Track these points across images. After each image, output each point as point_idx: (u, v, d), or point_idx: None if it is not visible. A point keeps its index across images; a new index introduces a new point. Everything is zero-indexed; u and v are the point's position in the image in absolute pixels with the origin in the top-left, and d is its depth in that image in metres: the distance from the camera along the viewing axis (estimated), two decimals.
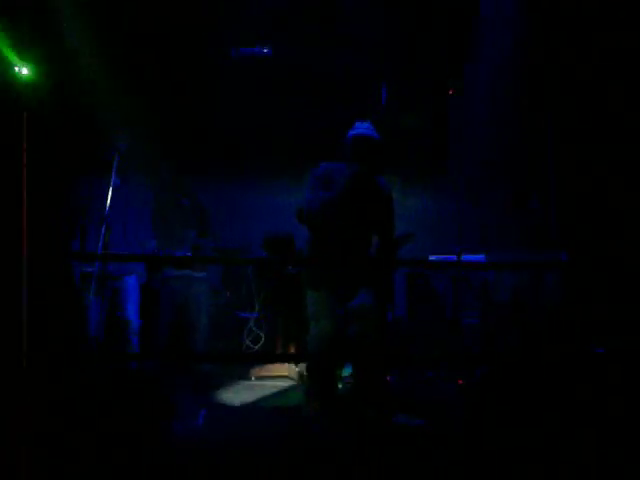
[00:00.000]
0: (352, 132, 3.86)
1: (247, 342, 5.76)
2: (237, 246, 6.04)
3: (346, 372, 4.43)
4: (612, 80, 5.05)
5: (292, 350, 5.43)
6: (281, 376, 5.13)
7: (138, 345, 4.73)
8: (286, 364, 5.21)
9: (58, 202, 5.10)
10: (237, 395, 4.60)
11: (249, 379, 5.16)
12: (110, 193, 4.05)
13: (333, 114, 3.97)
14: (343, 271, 3.90)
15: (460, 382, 4.32)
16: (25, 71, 5.31)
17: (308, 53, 6.15)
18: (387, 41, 5.90)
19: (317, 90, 5.25)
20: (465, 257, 4.81)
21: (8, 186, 4.72)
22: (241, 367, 5.37)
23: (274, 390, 4.79)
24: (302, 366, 4.67)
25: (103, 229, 4.02)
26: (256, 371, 5.23)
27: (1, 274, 3.90)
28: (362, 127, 3.86)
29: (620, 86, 4.95)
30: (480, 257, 4.96)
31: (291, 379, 5.05)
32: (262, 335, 5.78)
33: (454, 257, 4.75)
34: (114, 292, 4.52)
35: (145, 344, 4.86)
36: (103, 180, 4.41)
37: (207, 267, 5.62)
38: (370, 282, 3.91)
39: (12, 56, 5.11)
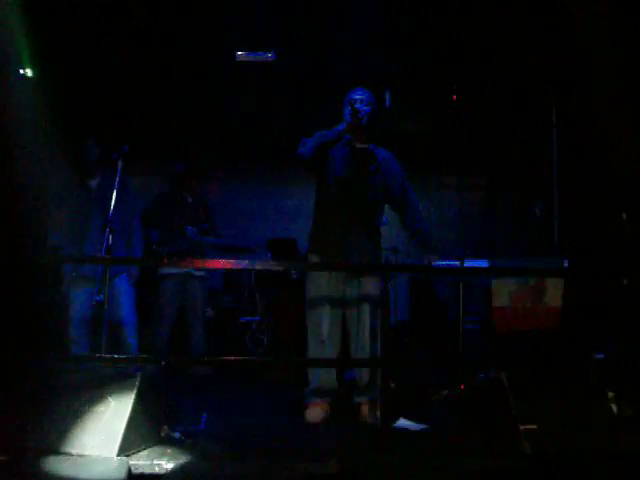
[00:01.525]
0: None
1: (249, 346, 5.76)
2: (240, 245, 6.00)
3: (348, 375, 4.42)
4: (614, 88, 5.07)
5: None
6: None
7: (137, 347, 4.72)
8: None
9: (48, 202, 5.11)
10: (238, 397, 4.60)
11: None
12: (115, 196, 4.03)
13: (336, 118, 4.00)
14: (345, 249, 3.91)
15: (462, 387, 4.32)
16: (29, 72, 5.33)
17: (311, 57, 6.17)
18: (390, 45, 5.92)
19: (320, 94, 5.27)
20: (467, 263, 4.80)
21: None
22: (242, 370, 5.37)
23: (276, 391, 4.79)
24: None
25: (107, 231, 4.00)
26: None
27: None
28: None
29: (622, 94, 4.97)
30: (482, 263, 4.96)
31: None
32: (264, 339, 5.77)
33: (457, 263, 4.75)
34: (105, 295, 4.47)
35: (144, 345, 4.85)
36: (106, 182, 4.42)
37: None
38: (374, 273, 3.93)
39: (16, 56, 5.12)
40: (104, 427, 2.98)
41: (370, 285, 3.91)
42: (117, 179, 4.04)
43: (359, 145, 4.02)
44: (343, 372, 4.45)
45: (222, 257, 5.55)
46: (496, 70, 6.05)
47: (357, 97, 3.93)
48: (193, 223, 5.42)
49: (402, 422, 3.77)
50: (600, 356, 4.15)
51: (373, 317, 3.88)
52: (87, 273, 4.46)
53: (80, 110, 5.78)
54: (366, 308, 3.90)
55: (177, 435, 3.23)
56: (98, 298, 3.94)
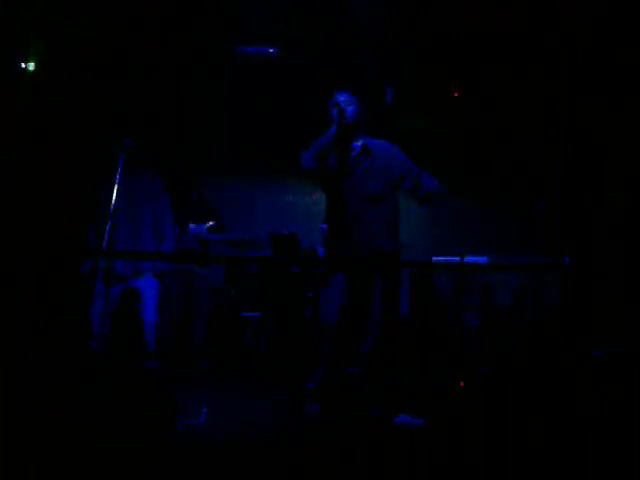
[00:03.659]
0: None
1: (250, 342, 5.75)
2: (247, 237, 6.03)
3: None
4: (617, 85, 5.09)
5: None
6: None
7: (154, 345, 4.76)
8: None
9: (65, 198, 5.14)
10: (239, 392, 4.61)
11: None
12: (116, 190, 4.04)
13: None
14: (357, 247, 4.06)
15: (462, 384, 4.34)
16: (31, 67, 5.32)
17: (313, 53, 6.16)
18: (391, 41, 5.92)
19: (322, 90, 5.29)
20: (468, 259, 4.83)
21: (14, 182, 4.76)
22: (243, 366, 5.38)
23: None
24: None
25: (108, 226, 4.02)
26: None
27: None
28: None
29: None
30: (483, 259, 4.98)
31: None
32: (265, 335, 5.77)
33: (457, 259, 4.77)
34: (128, 291, 4.54)
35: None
36: (110, 176, 4.43)
37: (211, 265, 5.66)
38: (385, 270, 4.03)
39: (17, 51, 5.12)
40: None
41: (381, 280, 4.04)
42: (118, 173, 4.05)
43: (351, 142, 4.19)
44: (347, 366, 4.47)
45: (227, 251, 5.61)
46: (498, 67, 6.05)
47: (341, 99, 4.17)
48: (198, 220, 5.46)
49: (402, 417, 3.80)
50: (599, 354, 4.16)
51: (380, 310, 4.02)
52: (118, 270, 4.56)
53: (80, 106, 5.78)
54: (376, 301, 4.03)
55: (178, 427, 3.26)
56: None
